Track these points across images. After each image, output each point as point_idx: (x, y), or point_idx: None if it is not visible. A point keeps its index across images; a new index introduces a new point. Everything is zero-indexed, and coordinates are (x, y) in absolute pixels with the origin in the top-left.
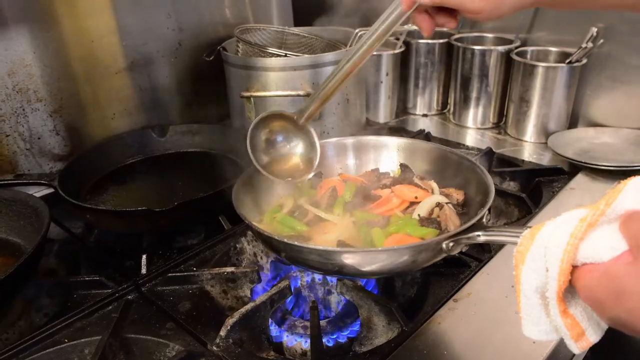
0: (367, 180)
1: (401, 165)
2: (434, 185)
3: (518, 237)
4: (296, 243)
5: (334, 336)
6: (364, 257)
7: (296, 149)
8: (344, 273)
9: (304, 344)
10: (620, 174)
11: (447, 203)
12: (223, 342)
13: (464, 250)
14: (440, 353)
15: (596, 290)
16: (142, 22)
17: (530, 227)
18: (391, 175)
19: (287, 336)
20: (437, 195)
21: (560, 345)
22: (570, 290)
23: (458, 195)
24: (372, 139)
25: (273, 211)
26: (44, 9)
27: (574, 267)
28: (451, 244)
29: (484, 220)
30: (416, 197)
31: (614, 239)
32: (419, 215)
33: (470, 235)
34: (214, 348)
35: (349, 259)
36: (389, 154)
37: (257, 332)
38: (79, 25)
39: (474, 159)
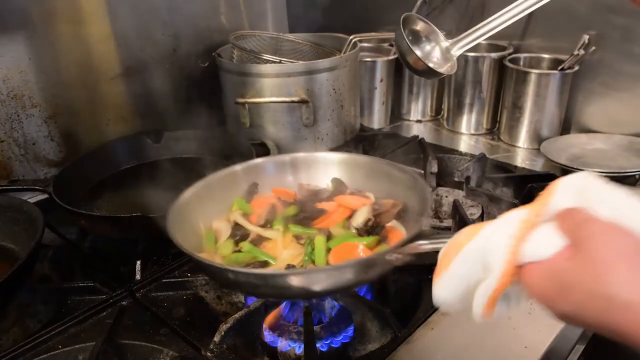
0: (301, 195)
1: (333, 179)
2: (370, 195)
3: None
4: (246, 270)
5: (328, 342)
6: (310, 277)
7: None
8: (290, 296)
9: (298, 349)
10: (612, 180)
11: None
12: (217, 348)
13: (409, 261)
14: (433, 358)
15: (542, 287)
16: (137, 28)
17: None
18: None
19: (281, 342)
20: (368, 206)
21: (552, 350)
22: (504, 293)
23: (393, 206)
24: (307, 155)
25: (210, 237)
26: (39, 15)
27: (518, 267)
28: (396, 256)
29: (426, 228)
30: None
31: (553, 236)
32: (355, 228)
33: (415, 244)
34: (208, 354)
35: (295, 281)
36: (325, 169)
37: (251, 338)
38: (74, 31)
39: (467, 165)
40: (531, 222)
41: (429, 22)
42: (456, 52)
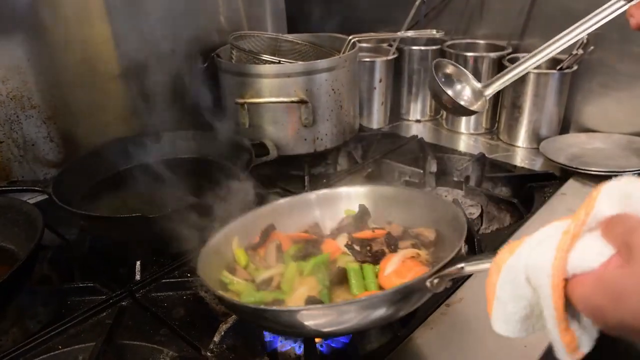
0: (314, 234)
1: (360, 205)
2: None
3: None
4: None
5: (328, 342)
6: (338, 311)
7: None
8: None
9: (298, 349)
10: (610, 179)
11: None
12: (217, 348)
13: (448, 286)
14: (432, 358)
15: (594, 298)
16: (136, 29)
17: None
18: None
19: (281, 342)
20: (404, 251)
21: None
22: (568, 309)
23: (429, 234)
24: (332, 192)
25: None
26: (38, 16)
27: (565, 281)
28: (436, 281)
29: (463, 251)
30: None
31: (600, 245)
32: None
33: (453, 268)
34: (208, 354)
35: (322, 317)
36: (349, 204)
37: (250, 338)
38: (73, 32)
39: (466, 164)
40: (575, 232)
41: (458, 66)
42: (488, 92)
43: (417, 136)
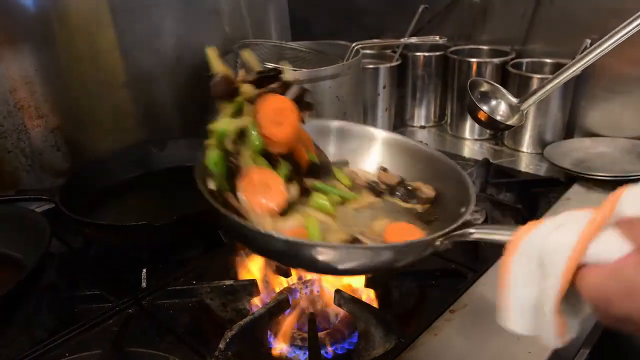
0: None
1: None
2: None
3: (511, 234)
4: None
5: (332, 348)
6: (358, 254)
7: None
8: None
9: (302, 356)
10: (616, 184)
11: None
12: (222, 355)
13: (449, 247)
14: None
15: (605, 289)
16: (142, 39)
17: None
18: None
19: (286, 348)
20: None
21: (556, 356)
22: (567, 295)
23: (428, 191)
24: (354, 127)
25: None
26: (45, 27)
27: (578, 268)
28: (446, 242)
29: (469, 217)
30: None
31: (619, 241)
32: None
33: (463, 232)
34: None
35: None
36: (371, 146)
37: (256, 345)
38: (79, 42)
39: (469, 170)
40: (599, 223)
41: (493, 83)
42: (525, 107)
43: (421, 142)
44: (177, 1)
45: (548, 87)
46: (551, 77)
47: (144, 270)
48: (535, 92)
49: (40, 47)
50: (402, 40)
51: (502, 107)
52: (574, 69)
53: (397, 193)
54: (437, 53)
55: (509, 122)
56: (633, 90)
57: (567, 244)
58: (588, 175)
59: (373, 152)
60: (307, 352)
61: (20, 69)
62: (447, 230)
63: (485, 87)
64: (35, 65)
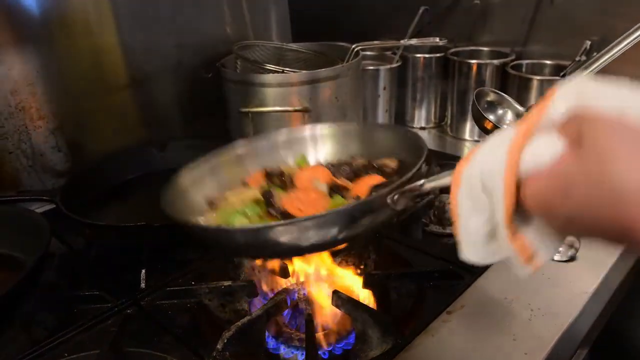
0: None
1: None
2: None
3: None
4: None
5: (330, 349)
6: (301, 227)
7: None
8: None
9: (300, 356)
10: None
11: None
12: (220, 356)
13: (410, 205)
14: None
15: (544, 193)
16: (143, 40)
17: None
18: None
19: (284, 349)
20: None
21: (553, 357)
22: (518, 213)
23: (391, 163)
24: (293, 132)
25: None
26: (47, 29)
27: (518, 182)
28: (396, 197)
29: (422, 171)
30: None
31: (554, 141)
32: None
33: (416, 184)
34: None
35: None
36: (314, 142)
37: (253, 345)
38: (80, 44)
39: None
40: (527, 129)
41: (499, 92)
42: None
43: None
44: (178, 3)
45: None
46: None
47: (143, 270)
48: None
49: (42, 49)
50: (402, 41)
51: (509, 116)
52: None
53: (369, 173)
54: (437, 54)
55: None
56: None
57: (501, 161)
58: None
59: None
60: (305, 353)
61: (21, 70)
62: (396, 184)
63: (491, 97)
64: (36, 66)
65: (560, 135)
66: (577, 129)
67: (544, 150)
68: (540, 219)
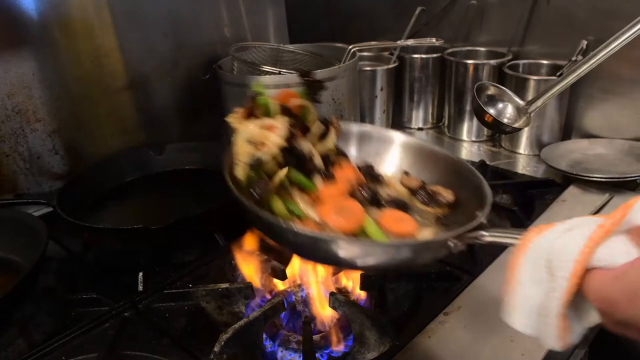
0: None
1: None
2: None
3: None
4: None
5: (327, 351)
6: (368, 249)
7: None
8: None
9: (298, 359)
10: (612, 185)
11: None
12: (217, 358)
13: (463, 249)
14: None
15: (611, 292)
16: (140, 42)
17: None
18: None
19: (281, 351)
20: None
21: (550, 357)
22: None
23: (447, 195)
24: (377, 131)
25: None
26: (44, 31)
27: (584, 271)
28: (458, 242)
29: (485, 221)
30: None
31: (627, 247)
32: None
33: (476, 234)
34: None
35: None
36: (391, 149)
37: (251, 348)
38: (77, 46)
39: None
40: (608, 228)
41: (500, 86)
42: (532, 109)
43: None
44: (176, 5)
45: (556, 88)
46: (558, 78)
47: (141, 273)
48: (542, 94)
49: (38, 51)
50: (399, 42)
51: (509, 110)
52: (583, 68)
53: (418, 197)
54: (434, 55)
55: (516, 125)
56: (631, 92)
57: (576, 247)
58: (585, 176)
59: (393, 155)
60: (302, 356)
61: (18, 73)
62: (460, 230)
63: (492, 91)
64: (33, 69)
65: (633, 243)
66: None
67: (618, 251)
68: (592, 309)
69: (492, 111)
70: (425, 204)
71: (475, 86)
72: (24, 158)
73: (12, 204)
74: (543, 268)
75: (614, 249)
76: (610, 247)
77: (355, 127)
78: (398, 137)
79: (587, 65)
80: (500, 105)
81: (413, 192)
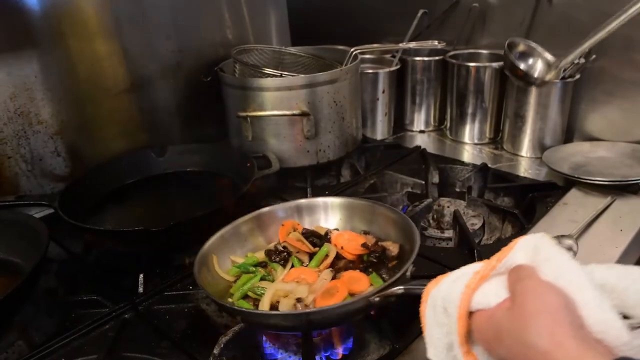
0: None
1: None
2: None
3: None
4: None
5: (327, 353)
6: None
7: None
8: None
9: None
10: (614, 188)
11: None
12: None
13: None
14: None
15: (484, 332)
16: (142, 44)
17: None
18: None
19: (281, 354)
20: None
21: None
22: (471, 335)
23: (393, 249)
24: (310, 201)
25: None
26: (45, 33)
27: (471, 313)
28: (377, 299)
29: (408, 274)
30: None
31: (500, 288)
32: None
33: (393, 290)
34: None
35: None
36: (326, 214)
37: (250, 350)
38: (79, 49)
39: (467, 175)
40: (482, 274)
41: (530, 42)
42: (562, 64)
43: (419, 147)
44: (178, 7)
45: (585, 44)
46: (589, 35)
47: (141, 275)
48: (573, 50)
49: (40, 54)
50: (401, 45)
51: (539, 65)
52: (616, 22)
53: (372, 255)
54: (436, 57)
55: (547, 78)
56: (632, 94)
57: (458, 294)
58: (587, 179)
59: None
60: (302, 358)
61: (20, 75)
62: (379, 288)
63: (522, 47)
64: (35, 71)
65: (506, 283)
66: (516, 285)
67: (492, 293)
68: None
69: (522, 66)
70: (378, 259)
71: (507, 42)
72: (25, 160)
73: (13, 205)
74: (442, 312)
75: (488, 293)
76: (485, 291)
77: (303, 202)
78: (332, 201)
79: (624, 16)
80: (530, 61)
81: (369, 249)
